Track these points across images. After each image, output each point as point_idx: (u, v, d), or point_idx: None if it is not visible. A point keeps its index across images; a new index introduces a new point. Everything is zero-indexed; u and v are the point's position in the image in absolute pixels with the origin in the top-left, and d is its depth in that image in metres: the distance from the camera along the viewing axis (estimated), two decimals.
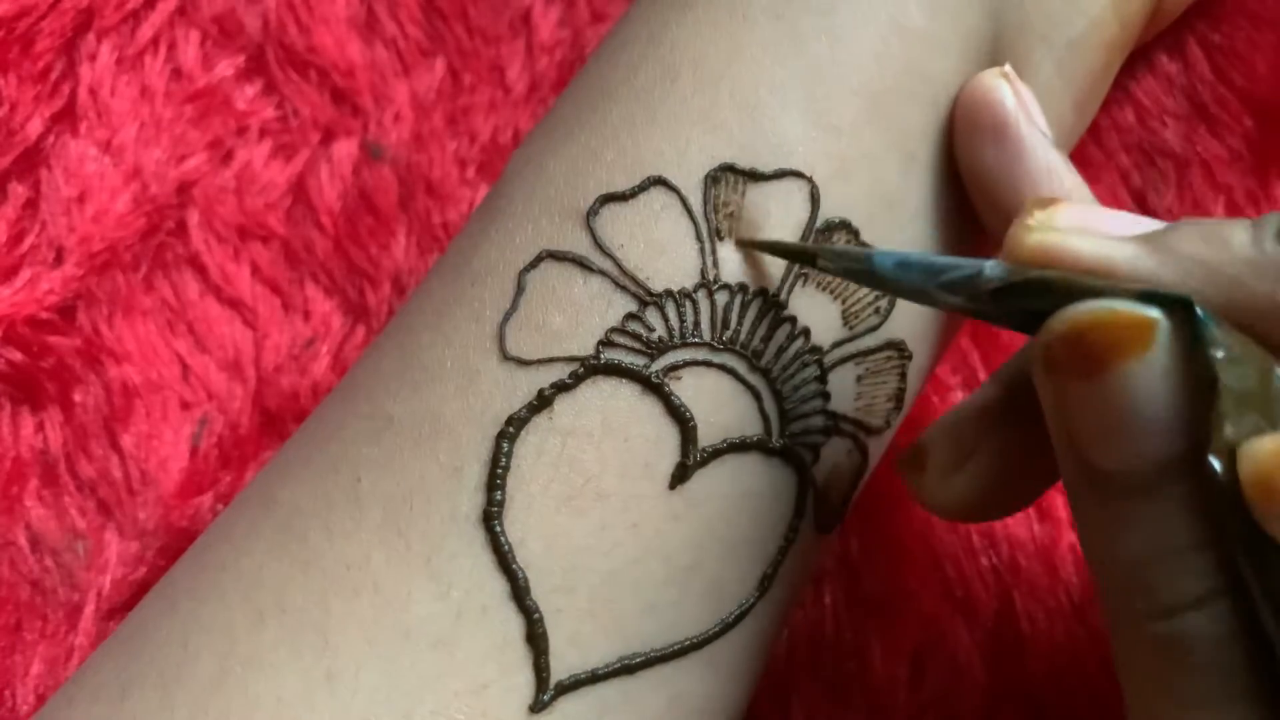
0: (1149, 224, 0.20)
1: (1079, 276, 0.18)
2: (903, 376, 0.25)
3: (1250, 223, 0.18)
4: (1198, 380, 0.17)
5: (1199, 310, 0.17)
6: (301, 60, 0.34)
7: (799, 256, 0.23)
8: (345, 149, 0.33)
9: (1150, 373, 0.17)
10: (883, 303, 0.24)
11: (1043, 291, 0.18)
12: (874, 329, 0.24)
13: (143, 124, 0.33)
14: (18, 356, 0.31)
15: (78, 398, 0.32)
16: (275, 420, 0.32)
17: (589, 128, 0.24)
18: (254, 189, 0.33)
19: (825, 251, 0.22)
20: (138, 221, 0.32)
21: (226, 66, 0.34)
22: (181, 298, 0.32)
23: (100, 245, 0.32)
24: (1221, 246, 0.18)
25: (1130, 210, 0.33)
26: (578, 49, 0.34)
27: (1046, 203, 0.20)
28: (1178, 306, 0.17)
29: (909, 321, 0.25)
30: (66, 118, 0.33)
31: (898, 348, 0.25)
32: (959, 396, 0.32)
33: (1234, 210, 0.32)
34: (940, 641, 0.30)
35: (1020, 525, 0.31)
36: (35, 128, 0.32)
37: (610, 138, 0.24)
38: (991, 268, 0.19)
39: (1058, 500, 0.31)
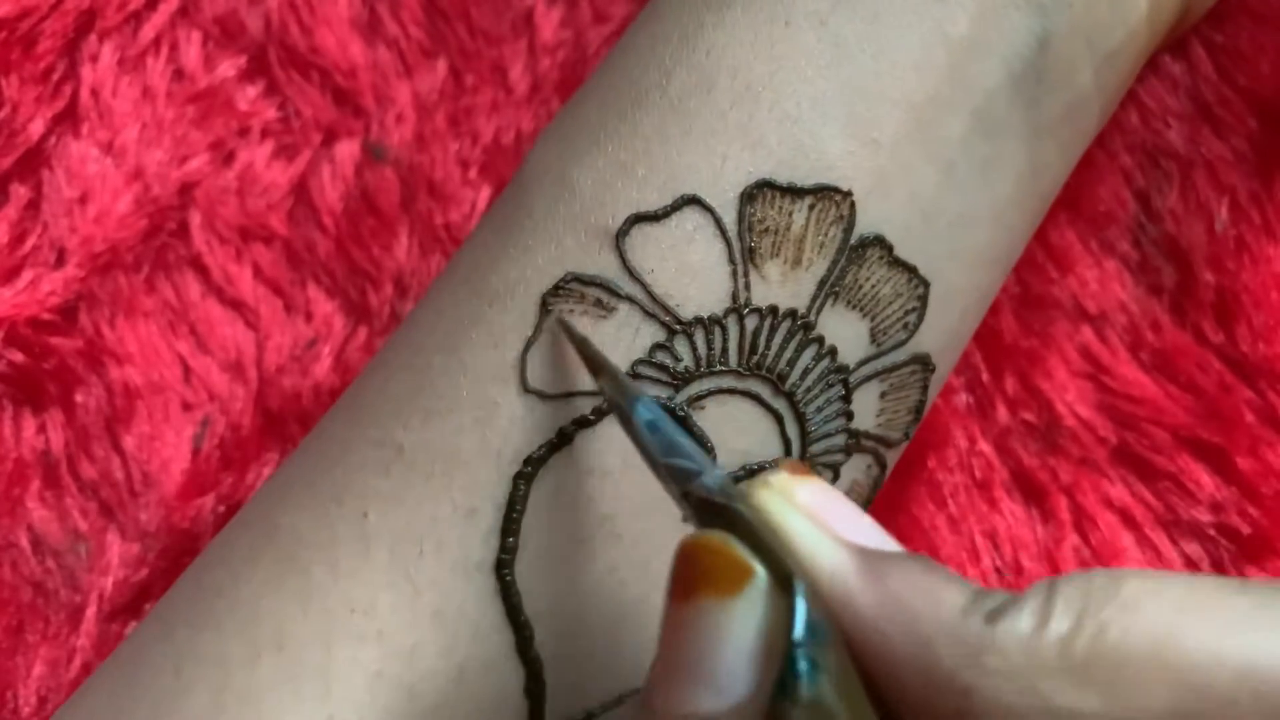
0: (886, 541, 0.18)
1: (767, 531, 0.17)
2: (925, 389, 0.25)
3: (972, 592, 0.16)
4: (773, 669, 0.15)
5: (802, 614, 0.16)
6: (303, 61, 0.34)
7: (591, 364, 0.21)
8: (347, 150, 0.33)
9: (721, 618, 0.16)
10: (911, 317, 0.24)
11: (731, 526, 0.17)
12: (901, 344, 0.24)
13: (144, 125, 0.33)
14: (19, 357, 0.31)
15: (79, 399, 0.32)
16: (277, 421, 0.32)
17: (618, 138, 0.23)
18: (256, 190, 0.33)
19: (610, 374, 0.21)
20: (139, 222, 0.32)
21: (228, 67, 0.34)
22: (183, 299, 0.32)
23: (102, 246, 0.32)
24: (932, 601, 0.16)
25: (1135, 211, 0.33)
26: (580, 50, 0.34)
27: (799, 470, 0.18)
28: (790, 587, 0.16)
29: (935, 335, 0.24)
30: (68, 119, 0.33)
31: (922, 361, 0.24)
32: (964, 399, 0.32)
33: (1238, 211, 0.32)
34: None
35: (1024, 527, 0.31)
36: (37, 128, 0.32)
37: (641, 151, 0.23)
38: (712, 477, 0.18)
39: (1061, 502, 0.31)
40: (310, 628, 0.21)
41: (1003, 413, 0.32)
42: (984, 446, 0.31)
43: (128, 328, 0.32)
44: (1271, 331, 0.31)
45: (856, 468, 0.24)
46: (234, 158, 0.33)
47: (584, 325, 0.22)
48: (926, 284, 0.24)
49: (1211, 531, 0.31)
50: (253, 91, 0.34)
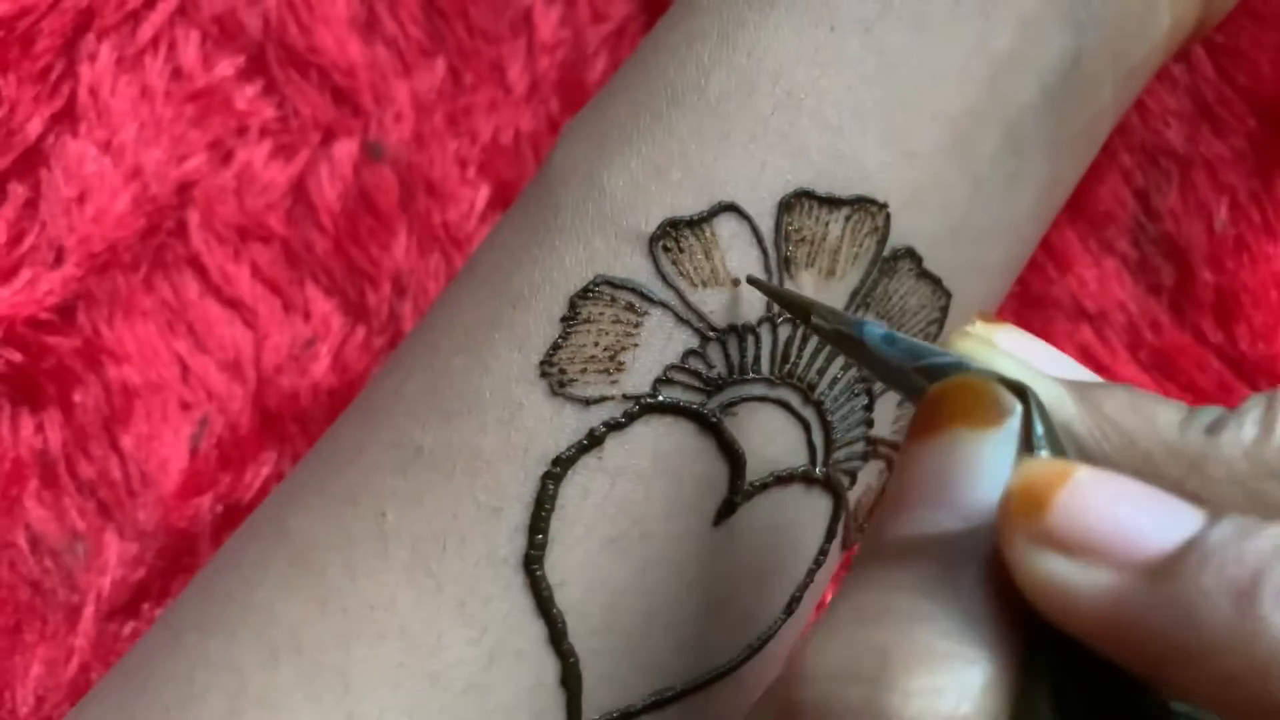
0: (1086, 374, 0.19)
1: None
2: None
3: (1185, 409, 0.17)
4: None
5: (1039, 422, 0.16)
6: (302, 60, 0.34)
7: (795, 308, 0.21)
8: (346, 149, 0.33)
9: (976, 446, 0.16)
10: (933, 328, 0.24)
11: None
12: None
13: (143, 124, 0.33)
14: (17, 357, 0.31)
15: (77, 398, 0.32)
16: (275, 421, 0.32)
17: (652, 139, 0.22)
18: (254, 189, 0.33)
19: (821, 310, 0.20)
20: (138, 222, 0.32)
21: (227, 66, 0.34)
22: (181, 298, 0.32)
23: (100, 245, 0.32)
24: (1147, 420, 0.17)
25: (1134, 211, 0.33)
26: (579, 49, 0.34)
27: (990, 318, 0.19)
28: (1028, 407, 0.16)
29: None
30: (66, 118, 0.33)
31: None
32: None
33: (1237, 210, 0.32)
34: None
35: None
36: (35, 128, 0.32)
37: (677, 154, 0.22)
38: (973, 364, 0.18)
39: None
40: (328, 628, 0.21)
41: None
42: None
43: (126, 327, 0.32)
44: (1271, 331, 0.31)
45: (870, 472, 0.24)
46: (232, 157, 0.33)
47: (614, 331, 0.22)
48: (949, 296, 0.24)
49: None
50: (251, 91, 0.34)
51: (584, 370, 0.22)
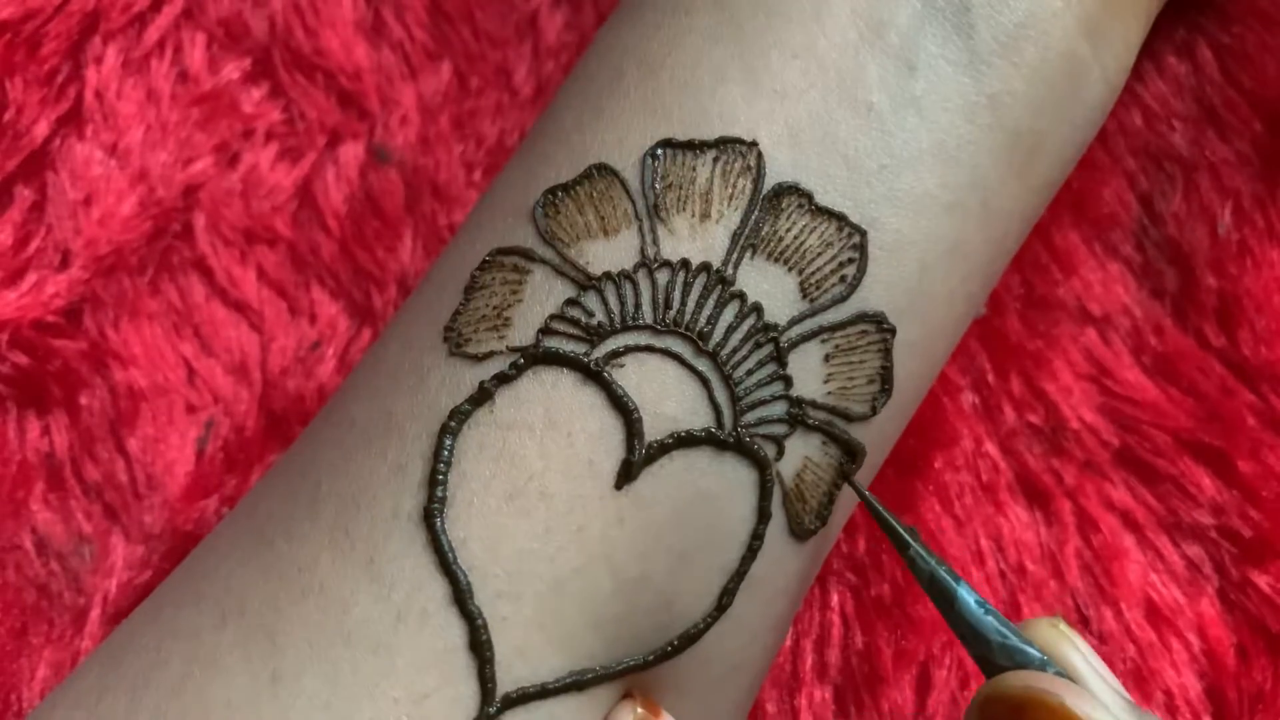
0: (1118, 688, 0.22)
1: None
2: (886, 354, 0.24)
3: None
4: None
5: None
6: (308, 63, 0.34)
7: (896, 538, 0.23)
8: (351, 152, 0.33)
9: None
10: (848, 269, 0.23)
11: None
12: (841, 300, 0.23)
13: (149, 127, 0.33)
14: (24, 360, 0.31)
15: (84, 401, 0.32)
16: (281, 423, 0.32)
17: (545, 135, 0.25)
18: (260, 192, 0.33)
19: (921, 550, 0.22)
20: (144, 225, 0.32)
21: (233, 69, 0.34)
22: (187, 301, 0.32)
23: (106, 248, 0.32)
24: None
25: (1138, 214, 0.33)
26: (583, 52, 0.34)
27: (1071, 628, 0.22)
28: None
29: (888, 290, 0.23)
30: (73, 121, 0.33)
31: (875, 321, 0.23)
32: (969, 398, 0.32)
33: (1241, 215, 0.32)
34: (949, 645, 0.30)
35: (1028, 530, 0.31)
36: (41, 130, 0.32)
37: (561, 140, 0.24)
38: (1050, 666, 0.21)
39: (1065, 505, 0.31)
40: (267, 591, 0.22)
41: (1009, 414, 0.32)
42: (990, 448, 0.31)
43: (132, 330, 0.32)
44: (1273, 336, 0.31)
45: (808, 443, 0.23)
46: (238, 160, 0.33)
47: (502, 291, 0.23)
48: (862, 232, 0.23)
49: (1213, 534, 0.31)
50: (257, 94, 0.34)
51: (477, 330, 0.23)
